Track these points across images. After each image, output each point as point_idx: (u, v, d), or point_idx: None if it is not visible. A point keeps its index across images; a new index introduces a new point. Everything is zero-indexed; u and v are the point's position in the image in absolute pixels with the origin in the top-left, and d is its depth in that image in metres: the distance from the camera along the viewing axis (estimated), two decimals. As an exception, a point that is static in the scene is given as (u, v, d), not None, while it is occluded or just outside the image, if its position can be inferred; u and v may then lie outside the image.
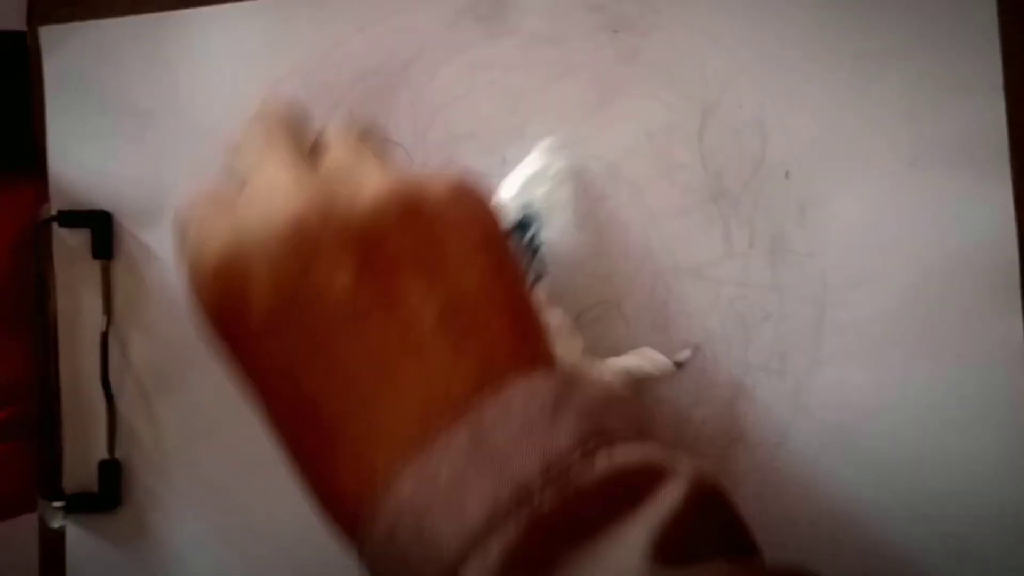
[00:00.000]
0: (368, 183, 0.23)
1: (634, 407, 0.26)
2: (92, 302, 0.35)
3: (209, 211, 0.24)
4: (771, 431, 0.32)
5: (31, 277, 0.35)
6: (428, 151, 0.33)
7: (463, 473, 0.20)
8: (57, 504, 0.35)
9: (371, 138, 0.26)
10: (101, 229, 0.35)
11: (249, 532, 0.34)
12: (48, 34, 0.35)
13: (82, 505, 0.35)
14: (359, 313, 0.22)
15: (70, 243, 0.35)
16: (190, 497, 0.34)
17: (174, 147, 0.35)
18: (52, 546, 0.35)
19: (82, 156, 0.35)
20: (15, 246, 0.35)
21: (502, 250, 0.24)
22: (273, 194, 0.23)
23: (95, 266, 0.35)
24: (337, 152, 0.25)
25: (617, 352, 0.32)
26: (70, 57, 0.35)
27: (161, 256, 0.35)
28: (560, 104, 0.33)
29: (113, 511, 0.35)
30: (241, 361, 0.23)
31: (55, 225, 0.35)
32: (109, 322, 0.35)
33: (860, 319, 0.31)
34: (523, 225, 0.31)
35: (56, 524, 0.35)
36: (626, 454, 0.21)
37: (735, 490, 0.32)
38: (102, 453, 0.35)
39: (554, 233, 0.32)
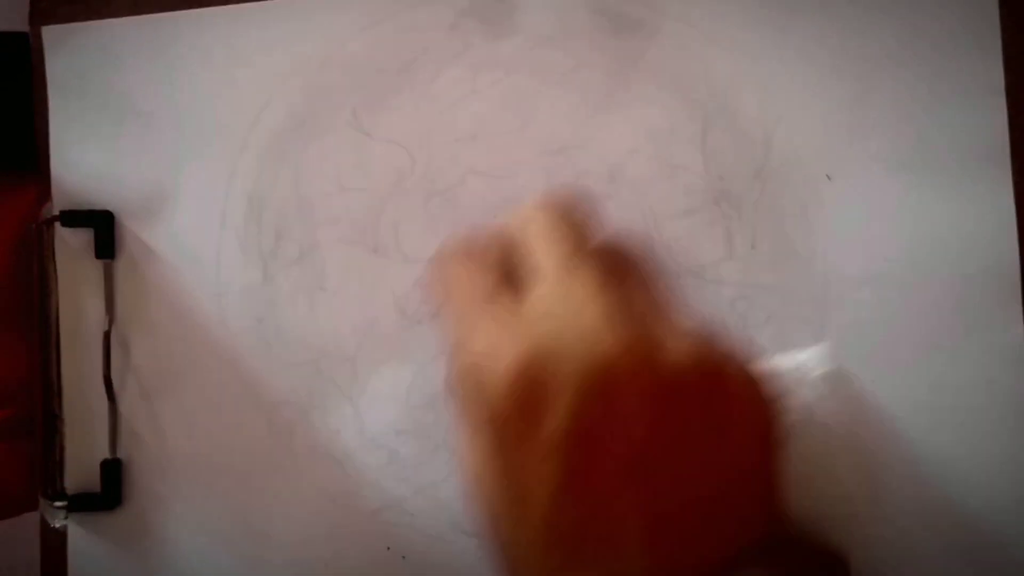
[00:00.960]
0: (675, 339, 0.23)
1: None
2: (94, 302, 0.35)
3: (501, 298, 0.24)
4: (772, 432, 0.32)
5: (33, 277, 0.35)
6: (431, 152, 0.33)
7: None
8: (59, 504, 0.35)
9: (662, 282, 0.26)
10: (103, 229, 0.35)
11: (250, 532, 0.34)
12: (50, 34, 0.35)
13: (84, 505, 0.35)
14: (642, 467, 0.22)
15: (72, 243, 0.35)
16: (192, 497, 0.34)
17: (176, 147, 0.35)
18: (54, 545, 0.35)
19: (84, 156, 0.35)
20: (17, 245, 0.36)
21: (779, 444, 0.24)
22: (586, 315, 0.23)
23: (97, 266, 0.35)
24: (639, 288, 0.25)
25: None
26: (72, 57, 0.35)
27: (163, 256, 0.35)
28: (562, 106, 0.33)
29: (115, 511, 0.35)
30: (511, 464, 0.23)
31: (57, 225, 0.35)
32: (111, 322, 0.35)
33: (861, 320, 0.31)
34: None
35: (58, 523, 0.35)
36: None
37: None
38: (104, 453, 0.35)
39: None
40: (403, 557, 0.33)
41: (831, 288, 0.32)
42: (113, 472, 0.35)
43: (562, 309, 0.23)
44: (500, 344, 0.23)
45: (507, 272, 0.25)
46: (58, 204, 0.35)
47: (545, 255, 0.25)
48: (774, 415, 0.24)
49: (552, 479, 0.22)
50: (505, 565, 0.24)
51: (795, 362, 0.31)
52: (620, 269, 0.25)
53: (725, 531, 0.23)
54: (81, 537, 0.35)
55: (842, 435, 0.31)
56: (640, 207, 0.33)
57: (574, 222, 0.25)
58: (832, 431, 0.31)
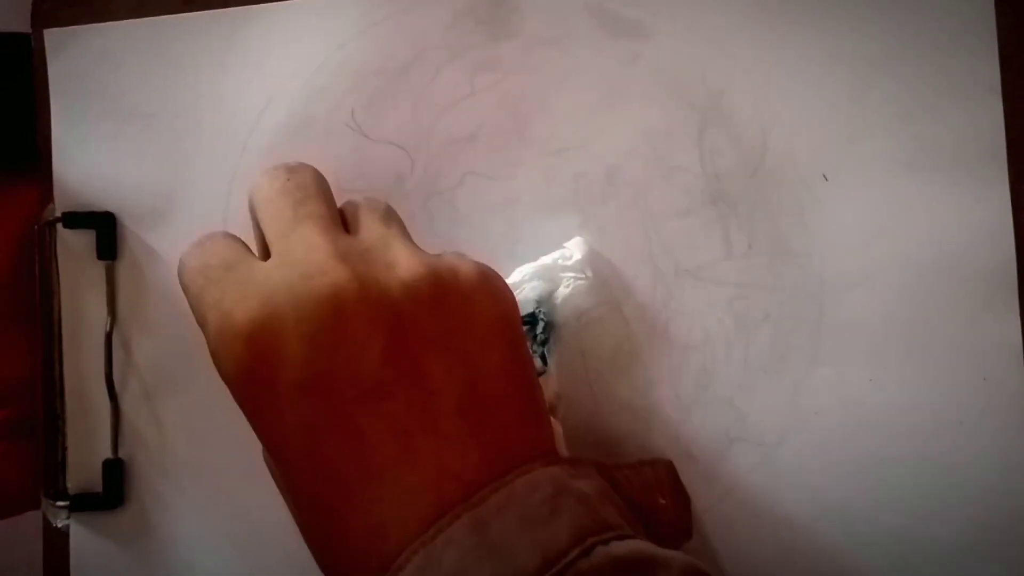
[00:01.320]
0: (401, 262, 0.24)
1: (637, 483, 0.27)
2: (96, 303, 0.35)
3: (232, 270, 0.25)
4: (770, 432, 0.32)
5: (35, 278, 0.35)
6: (430, 153, 0.34)
7: (464, 563, 0.21)
8: (61, 503, 0.35)
9: (395, 218, 0.27)
10: (105, 230, 0.35)
11: (253, 532, 0.34)
12: (53, 37, 0.35)
13: (86, 504, 0.35)
14: (385, 389, 0.22)
15: (74, 244, 0.35)
16: (194, 496, 0.34)
17: (178, 149, 0.35)
18: (56, 544, 0.35)
19: (86, 158, 0.35)
20: (19, 247, 0.36)
21: (519, 338, 0.25)
22: (311, 259, 0.23)
23: (99, 267, 0.35)
24: (369, 227, 0.26)
25: (617, 355, 0.32)
26: (75, 59, 0.35)
27: (165, 257, 0.35)
28: (560, 107, 0.33)
29: (117, 510, 0.35)
30: (264, 421, 0.24)
31: (59, 226, 0.35)
32: (113, 322, 0.35)
33: (858, 320, 0.32)
34: (532, 318, 0.31)
35: (60, 523, 0.35)
36: (621, 549, 0.21)
37: (733, 491, 0.32)
38: (106, 452, 0.35)
39: (562, 329, 0.32)
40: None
41: (828, 287, 0.32)
42: (115, 472, 0.35)
43: (284, 263, 0.24)
44: (236, 307, 0.23)
45: (244, 246, 0.26)
46: (60, 206, 0.35)
47: (269, 221, 0.25)
48: (511, 310, 0.25)
49: (304, 422, 0.22)
50: (296, 517, 0.25)
51: (552, 258, 0.32)
52: (346, 219, 0.26)
53: (489, 435, 0.23)
54: (83, 536, 0.35)
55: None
56: (638, 207, 0.33)
57: (294, 185, 0.26)
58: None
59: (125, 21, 0.35)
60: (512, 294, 0.25)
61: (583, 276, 0.31)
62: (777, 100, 0.32)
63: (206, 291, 0.25)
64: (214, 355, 0.24)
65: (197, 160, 0.34)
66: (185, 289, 0.26)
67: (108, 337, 0.35)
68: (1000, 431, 0.31)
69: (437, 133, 0.33)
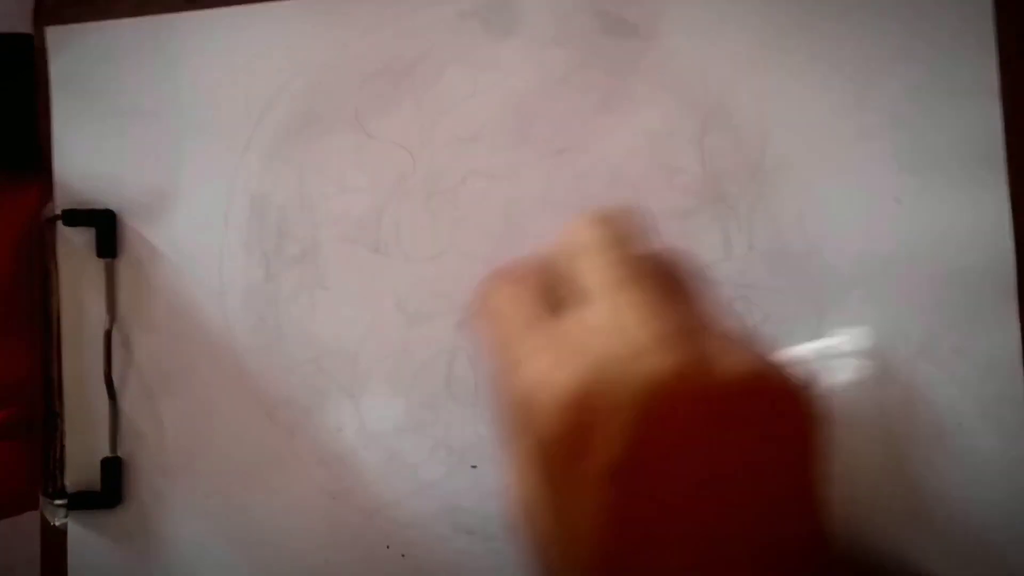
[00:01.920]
0: (724, 354, 0.22)
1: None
2: (96, 300, 0.35)
3: (543, 333, 0.23)
4: (769, 431, 0.32)
5: (35, 275, 0.35)
6: (432, 152, 0.34)
7: None
8: (59, 502, 0.35)
9: (705, 294, 0.25)
10: (105, 228, 0.35)
11: (250, 530, 0.34)
12: (54, 35, 0.35)
13: (84, 503, 0.35)
14: (696, 493, 0.21)
15: (74, 242, 0.35)
16: (192, 495, 0.34)
17: (179, 147, 0.35)
18: (54, 543, 0.35)
19: (87, 155, 0.35)
20: (20, 244, 0.35)
21: (824, 455, 0.23)
22: (636, 336, 0.22)
23: (99, 264, 0.35)
24: (689, 306, 0.23)
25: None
26: (76, 57, 0.35)
27: (165, 255, 0.35)
28: (563, 107, 0.33)
29: (115, 509, 0.35)
30: (556, 492, 0.22)
31: (59, 223, 0.35)
32: (113, 320, 0.35)
33: (858, 320, 0.32)
34: None
35: (58, 522, 0.35)
36: None
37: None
38: (104, 451, 0.35)
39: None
40: (402, 555, 0.33)
41: (827, 288, 0.32)
42: (113, 470, 0.35)
43: (611, 329, 0.22)
44: (550, 369, 0.22)
45: (552, 294, 0.24)
46: (60, 203, 0.35)
47: (591, 274, 0.24)
48: (817, 427, 0.23)
49: (603, 507, 0.21)
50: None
51: (824, 346, 0.31)
52: (668, 285, 0.24)
53: (776, 553, 0.22)
54: (81, 535, 0.35)
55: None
56: (639, 208, 0.33)
57: (620, 238, 0.24)
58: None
59: (127, 19, 0.35)
60: (819, 410, 0.23)
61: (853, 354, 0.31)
62: (777, 101, 0.32)
63: (515, 335, 0.23)
64: (516, 409, 0.23)
65: (199, 158, 0.34)
66: (490, 313, 0.25)
67: (108, 335, 0.35)
68: (1000, 432, 0.31)
69: (439, 132, 0.33)
